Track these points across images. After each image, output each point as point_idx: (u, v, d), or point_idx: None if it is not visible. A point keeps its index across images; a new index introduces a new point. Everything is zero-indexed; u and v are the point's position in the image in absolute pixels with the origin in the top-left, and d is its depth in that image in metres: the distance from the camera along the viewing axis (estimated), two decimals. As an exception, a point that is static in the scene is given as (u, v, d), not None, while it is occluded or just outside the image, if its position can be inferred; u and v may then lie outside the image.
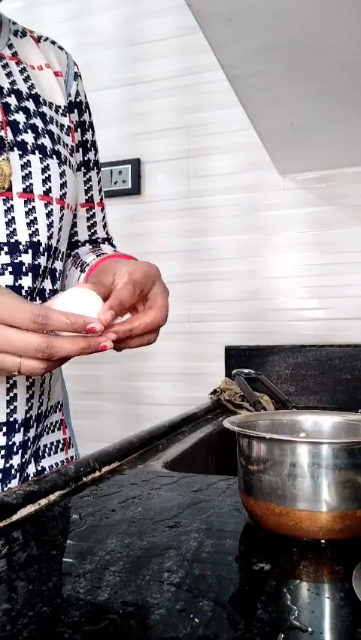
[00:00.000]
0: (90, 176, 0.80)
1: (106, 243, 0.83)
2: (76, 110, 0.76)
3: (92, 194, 0.80)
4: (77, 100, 0.77)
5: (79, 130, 0.77)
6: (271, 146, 1.31)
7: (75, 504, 0.55)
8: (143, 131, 1.67)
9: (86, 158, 0.79)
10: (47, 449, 0.72)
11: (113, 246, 0.84)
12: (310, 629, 0.33)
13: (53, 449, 0.73)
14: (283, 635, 0.32)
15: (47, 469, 0.71)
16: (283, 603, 0.36)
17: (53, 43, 0.77)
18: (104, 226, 0.83)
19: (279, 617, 0.34)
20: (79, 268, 0.74)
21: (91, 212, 0.81)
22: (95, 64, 1.69)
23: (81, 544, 0.46)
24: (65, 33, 1.67)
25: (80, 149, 0.78)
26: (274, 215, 1.53)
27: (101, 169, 0.83)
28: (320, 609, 0.36)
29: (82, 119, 0.78)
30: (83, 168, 0.79)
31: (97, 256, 0.73)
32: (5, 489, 0.64)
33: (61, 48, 0.77)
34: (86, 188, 0.80)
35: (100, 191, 0.82)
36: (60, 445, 0.75)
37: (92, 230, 0.81)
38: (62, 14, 1.74)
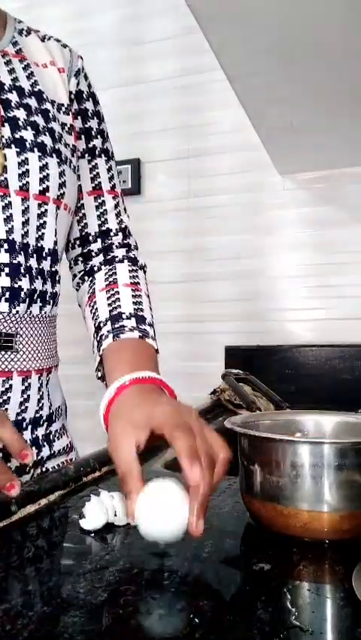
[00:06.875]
0: (96, 164, 0.77)
1: (120, 234, 0.78)
2: (75, 100, 0.75)
3: (99, 182, 0.77)
4: (78, 89, 0.76)
5: (79, 118, 0.75)
6: (271, 146, 1.31)
7: (75, 504, 0.55)
8: (143, 131, 1.66)
9: (90, 146, 0.77)
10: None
11: (127, 246, 0.78)
12: (310, 629, 0.33)
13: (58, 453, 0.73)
14: (283, 635, 0.32)
15: (49, 469, 0.71)
16: (283, 603, 0.36)
17: (57, 41, 0.76)
18: (117, 215, 0.78)
19: (279, 617, 0.34)
20: (97, 340, 0.66)
21: (100, 201, 0.77)
22: (95, 64, 1.67)
23: (81, 544, 0.46)
24: (65, 33, 1.66)
25: (83, 137, 0.76)
26: (274, 215, 1.53)
27: None
28: (320, 609, 0.36)
29: (82, 107, 0.76)
30: (87, 155, 0.76)
31: (113, 337, 0.63)
32: None
33: (65, 46, 0.77)
34: (92, 175, 0.77)
35: (111, 179, 0.78)
36: (67, 449, 0.75)
37: (103, 219, 0.77)
38: (62, 14, 1.74)
